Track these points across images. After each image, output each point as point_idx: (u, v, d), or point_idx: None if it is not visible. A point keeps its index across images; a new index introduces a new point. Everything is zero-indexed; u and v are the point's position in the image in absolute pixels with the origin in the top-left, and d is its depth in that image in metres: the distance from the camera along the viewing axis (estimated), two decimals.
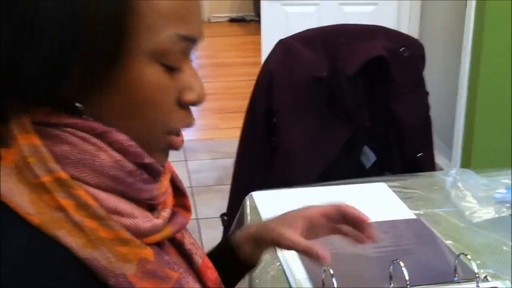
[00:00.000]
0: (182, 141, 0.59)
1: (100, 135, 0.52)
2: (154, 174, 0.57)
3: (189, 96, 0.56)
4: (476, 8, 2.54)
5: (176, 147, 0.58)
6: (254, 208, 1.28)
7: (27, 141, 0.50)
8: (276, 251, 1.11)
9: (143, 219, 0.55)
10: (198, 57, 5.25)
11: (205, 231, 2.42)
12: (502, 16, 2.46)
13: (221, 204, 2.01)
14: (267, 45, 3.02)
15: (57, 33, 0.48)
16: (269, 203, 1.29)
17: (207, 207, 2.45)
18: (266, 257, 1.09)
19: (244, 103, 1.81)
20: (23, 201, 0.49)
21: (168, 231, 0.58)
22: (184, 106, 0.57)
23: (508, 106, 2.58)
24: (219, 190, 2.74)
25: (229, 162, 3.03)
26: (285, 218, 0.82)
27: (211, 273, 0.67)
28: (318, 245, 0.75)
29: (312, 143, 1.76)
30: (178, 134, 0.58)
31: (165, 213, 0.58)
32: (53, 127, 0.51)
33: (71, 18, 0.48)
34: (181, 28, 0.53)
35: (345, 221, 0.83)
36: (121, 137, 0.53)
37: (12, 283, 0.47)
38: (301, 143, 1.74)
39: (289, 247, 0.78)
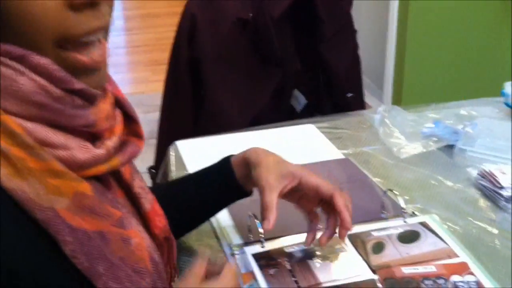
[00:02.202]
0: (91, 59, 0.50)
1: (18, 59, 0.47)
2: (89, 98, 0.51)
3: None
4: None
5: (82, 65, 0.50)
6: (179, 157, 1.22)
7: None
8: None
9: (79, 150, 0.50)
10: (125, 8, 5.04)
11: None
12: None
13: (153, 158, 1.95)
14: None
15: None
16: (194, 152, 1.23)
17: (139, 161, 2.35)
18: None
19: None
20: None
21: (117, 162, 0.54)
22: (77, 8, 0.48)
23: (437, 43, 2.60)
24: (152, 144, 2.65)
25: None
26: (280, 169, 0.81)
27: (159, 220, 0.64)
28: (274, 217, 0.77)
29: (240, 91, 1.70)
30: (85, 37, 0.49)
31: (111, 142, 0.54)
32: None
33: None
34: None
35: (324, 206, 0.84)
36: (43, 61, 0.47)
37: None
38: (228, 91, 1.68)
39: (261, 196, 0.79)
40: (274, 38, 1.69)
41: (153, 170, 1.69)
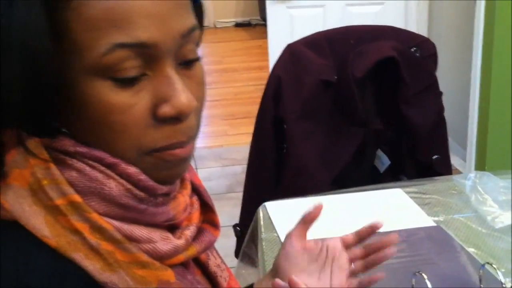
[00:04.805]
0: (181, 152, 0.51)
1: (108, 166, 0.50)
2: (169, 195, 0.54)
3: (163, 109, 0.49)
4: (485, 5, 2.49)
5: (174, 160, 0.51)
6: (268, 219, 1.24)
7: (40, 163, 0.49)
8: None
9: (161, 242, 0.52)
10: (204, 63, 5.24)
11: (218, 240, 2.40)
12: None
13: (233, 212, 1.98)
14: (274, 48, 2.99)
15: None
16: (283, 213, 1.25)
17: (219, 215, 2.42)
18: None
19: (253, 108, 1.78)
20: (39, 223, 0.48)
21: (193, 251, 0.55)
22: (162, 121, 0.49)
23: None
24: (231, 198, 2.71)
25: (239, 169, 2.99)
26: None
27: None
28: None
29: (323, 150, 1.72)
30: (171, 148, 0.51)
31: (189, 231, 0.55)
32: (59, 153, 0.49)
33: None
34: (117, 35, 0.46)
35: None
36: (130, 170, 0.50)
37: None
38: (312, 150, 1.70)
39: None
40: (357, 98, 1.71)
41: (238, 228, 1.72)
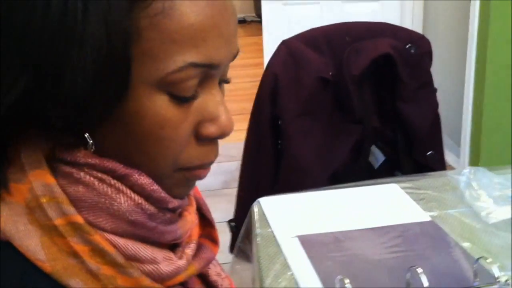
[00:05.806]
0: (202, 173, 0.51)
1: (120, 178, 0.47)
2: (177, 213, 0.53)
3: (208, 129, 0.48)
4: (480, 3, 2.49)
5: (196, 179, 0.52)
6: (262, 214, 1.24)
7: (39, 179, 0.45)
8: (287, 259, 1.07)
9: (164, 263, 0.50)
10: None
11: None
12: (507, 10, 2.42)
13: (228, 208, 1.98)
14: (269, 45, 2.99)
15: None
16: (277, 209, 1.25)
17: (214, 211, 2.39)
18: (277, 266, 1.06)
19: (248, 105, 1.77)
20: (33, 245, 0.44)
21: (193, 270, 0.54)
22: (203, 140, 0.49)
23: None
24: (226, 194, 2.71)
25: (235, 166, 2.99)
26: None
27: None
28: None
29: (321, 147, 1.72)
30: (200, 168, 0.50)
31: (190, 250, 0.54)
32: (68, 165, 0.47)
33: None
34: (193, 54, 0.45)
35: None
36: (143, 181, 0.48)
37: None
38: (309, 147, 1.70)
39: None
40: (353, 96, 1.71)
41: (233, 224, 1.72)
